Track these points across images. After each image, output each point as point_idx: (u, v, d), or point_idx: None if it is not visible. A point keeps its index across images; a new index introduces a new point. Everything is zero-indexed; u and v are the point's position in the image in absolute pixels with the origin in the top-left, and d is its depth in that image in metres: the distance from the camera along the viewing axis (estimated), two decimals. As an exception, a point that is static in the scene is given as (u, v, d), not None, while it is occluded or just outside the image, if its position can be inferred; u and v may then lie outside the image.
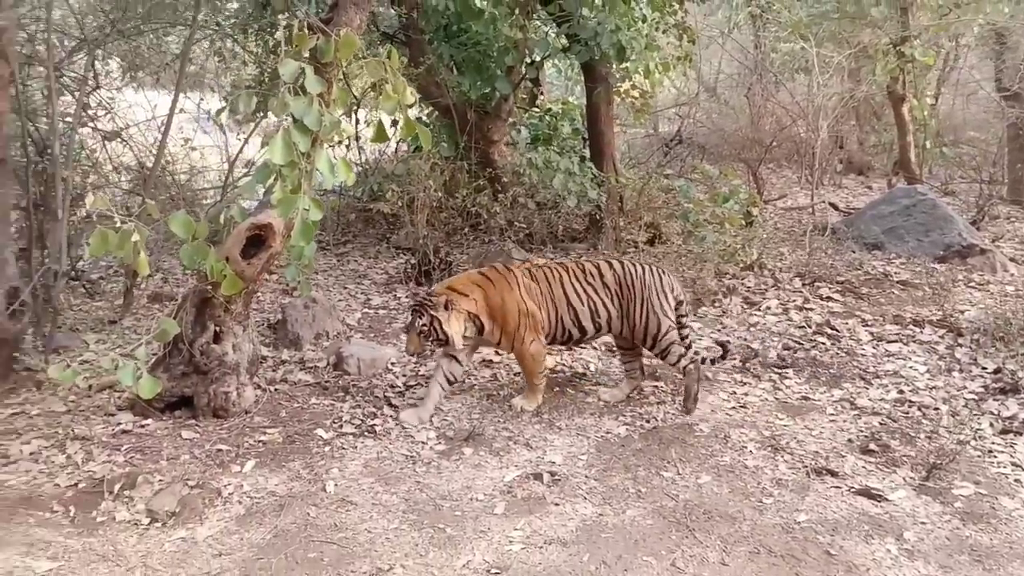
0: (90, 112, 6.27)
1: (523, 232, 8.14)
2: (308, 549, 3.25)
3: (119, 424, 4.34)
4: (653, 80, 9.37)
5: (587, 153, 8.78)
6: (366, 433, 4.31)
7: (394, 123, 5.16)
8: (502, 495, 3.69)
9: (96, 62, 6.14)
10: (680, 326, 4.66)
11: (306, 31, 3.85)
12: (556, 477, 3.82)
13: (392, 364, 5.25)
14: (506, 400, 4.72)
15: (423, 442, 4.22)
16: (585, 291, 4.65)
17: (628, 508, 3.57)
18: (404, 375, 5.12)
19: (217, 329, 4.45)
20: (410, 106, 4.11)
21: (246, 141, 6.62)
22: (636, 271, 4.66)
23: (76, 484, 3.73)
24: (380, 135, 4.26)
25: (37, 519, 3.44)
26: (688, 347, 4.62)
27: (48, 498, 3.60)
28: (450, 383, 4.62)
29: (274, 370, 5.18)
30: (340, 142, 5.86)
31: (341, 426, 4.40)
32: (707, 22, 13.85)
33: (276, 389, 4.87)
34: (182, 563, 3.15)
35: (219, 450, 4.09)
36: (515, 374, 5.15)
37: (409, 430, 4.33)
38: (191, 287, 4.57)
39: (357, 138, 8.65)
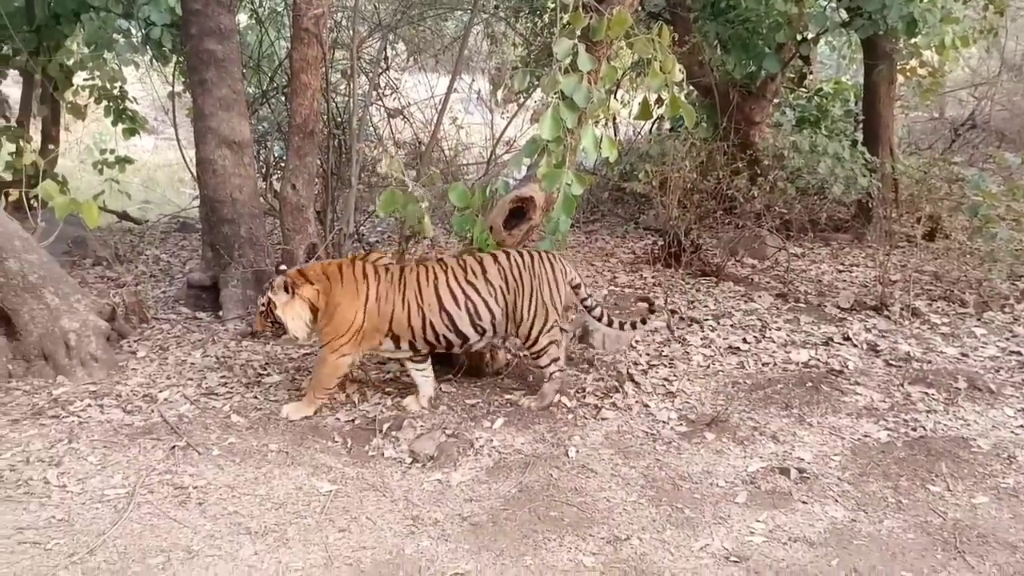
0: (379, 91, 6.94)
1: (781, 219, 7.73)
2: (550, 507, 3.39)
3: (388, 372, 4.82)
4: (947, 57, 8.37)
5: (859, 137, 8.09)
6: (607, 406, 4.38)
7: (658, 101, 5.13)
8: (744, 485, 3.58)
9: (388, 46, 6.78)
10: (588, 308, 4.48)
11: (580, 11, 3.95)
12: (804, 475, 3.63)
13: (636, 343, 5.28)
14: (753, 390, 4.55)
15: (664, 421, 4.21)
16: (464, 292, 4.18)
17: (886, 518, 3.30)
18: (648, 354, 5.13)
19: (477, 293, 4.75)
20: (677, 84, 4.07)
21: (511, 120, 6.95)
22: (524, 261, 4.26)
23: (353, 420, 4.21)
24: (645, 112, 4.28)
25: (321, 446, 3.94)
26: (600, 318, 4.48)
27: (330, 430, 4.11)
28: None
29: (523, 337, 5.43)
30: (604, 120, 5.95)
31: (584, 396, 4.52)
32: (1018, -10, 12.04)
33: (524, 356, 5.11)
34: (438, 502, 3.45)
35: (472, 405, 4.40)
36: (763, 364, 4.94)
37: (651, 408, 4.34)
38: (460, 252, 4.92)
39: (614, 117, 8.71)
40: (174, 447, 3.84)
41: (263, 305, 4.10)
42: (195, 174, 6.46)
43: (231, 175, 5.84)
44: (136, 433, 3.98)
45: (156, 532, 3.16)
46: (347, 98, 6.45)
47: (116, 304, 5.31)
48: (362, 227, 7.58)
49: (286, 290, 4.03)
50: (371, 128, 7.50)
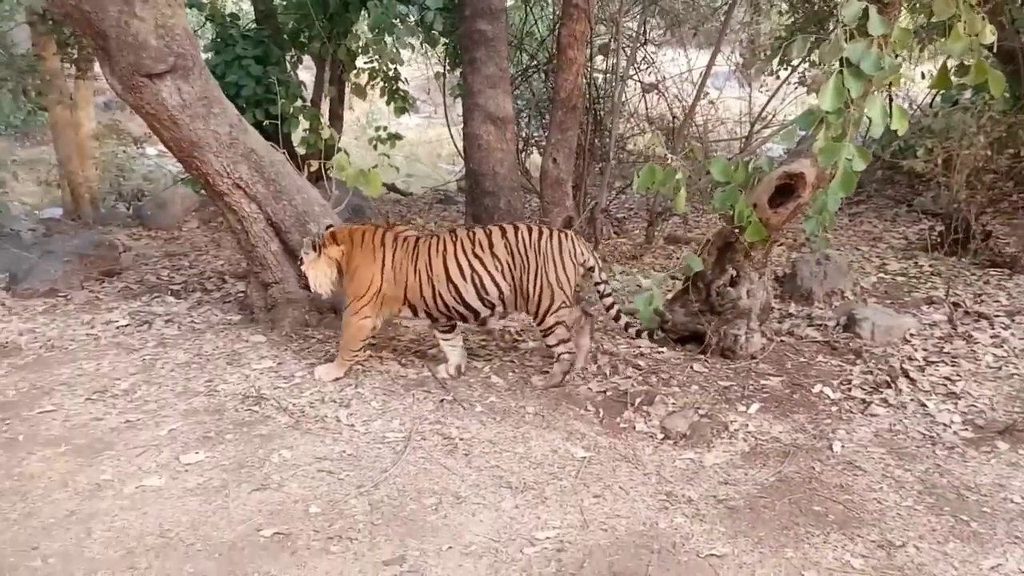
0: (636, 65, 6.91)
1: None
2: (812, 502, 3.22)
3: (638, 347, 4.84)
4: None
5: None
6: (877, 401, 4.05)
7: (960, 67, 4.58)
8: (1048, 505, 3.14)
9: (646, 19, 6.71)
10: (601, 295, 4.32)
11: (873, -32, 3.61)
12: None
13: (911, 335, 4.81)
14: (1058, 399, 3.97)
15: (945, 424, 3.81)
16: (471, 265, 4.17)
17: None
18: (925, 349, 4.65)
19: (734, 273, 4.61)
20: (987, 46, 3.59)
21: (774, 93, 6.59)
22: (531, 237, 4.15)
23: (604, 392, 4.29)
24: (942, 80, 3.84)
25: (575, 413, 4.06)
26: (610, 308, 4.36)
27: (583, 399, 4.21)
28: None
29: (780, 321, 5.18)
30: (894, 89, 5.40)
31: (849, 389, 4.22)
32: None
33: (782, 340, 4.87)
34: (691, 481, 3.41)
35: (725, 387, 4.28)
36: (1073, 371, 4.29)
37: (929, 408, 3.94)
38: (717, 231, 4.78)
39: (890, 85, 7.92)
40: (443, 400, 4.16)
41: (300, 260, 4.41)
42: (460, 149, 6.89)
43: (494, 149, 6.15)
44: (410, 384, 4.37)
45: (429, 476, 3.45)
46: (604, 73, 6.48)
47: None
48: (611, 202, 7.63)
49: (314, 248, 4.32)
50: (625, 103, 7.48)
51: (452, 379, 4.41)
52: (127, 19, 4.33)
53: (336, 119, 9.99)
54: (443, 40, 9.06)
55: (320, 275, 4.36)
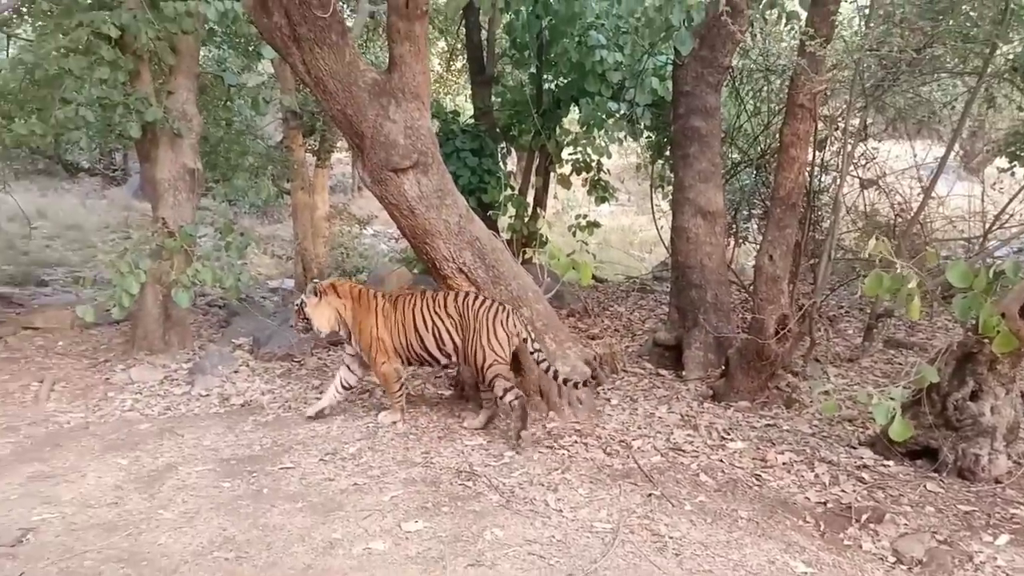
0: (855, 161, 6.69)
1: None
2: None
3: (860, 458, 4.53)
4: None
5: None
6: None
7: None
8: None
9: (868, 114, 6.52)
10: (537, 362, 4.87)
11: None
12: None
13: None
14: None
15: None
16: (432, 319, 5.02)
17: None
18: None
19: (976, 387, 4.24)
20: None
21: (1016, 195, 6.10)
22: (474, 304, 4.94)
23: (824, 503, 4.04)
24: None
25: (792, 523, 3.84)
26: (548, 370, 4.82)
27: (800, 508, 3.99)
28: (345, 388, 5.35)
29: (1029, 443, 4.65)
30: None
31: (1124, 530, 3.68)
32: None
33: (1006, 460, 4.36)
34: (932, 615, 3.10)
35: (967, 512, 3.89)
36: None
37: None
38: (952, 340, 4.45)
39: None
40: (650, 495, 4.11)
41: (297, 305, 5.17)
42: (665, 241, 6.95)
43: (703, 243, 6.16)
44: (616, 475, 4.36)
45: (638, 572, 3.39)
46: (821, 168, 6.34)
47: (596, 355, 5.92)
48: (827, 300, 7.32)
49: (316, 294, 5.11)
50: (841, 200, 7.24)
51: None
52: (382, 121, 4.87)
53: (540, 206, 10.46)
54: (646, 133, 9.32)
55: (321, 317, 5.14)
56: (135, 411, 5.70)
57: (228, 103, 9.03)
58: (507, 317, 4.93)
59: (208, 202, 8.68)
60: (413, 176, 5.02)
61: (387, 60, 4.98)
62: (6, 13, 8.23)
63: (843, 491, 4.15)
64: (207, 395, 6.04)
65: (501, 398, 4.88)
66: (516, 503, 4.03)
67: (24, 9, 8.42)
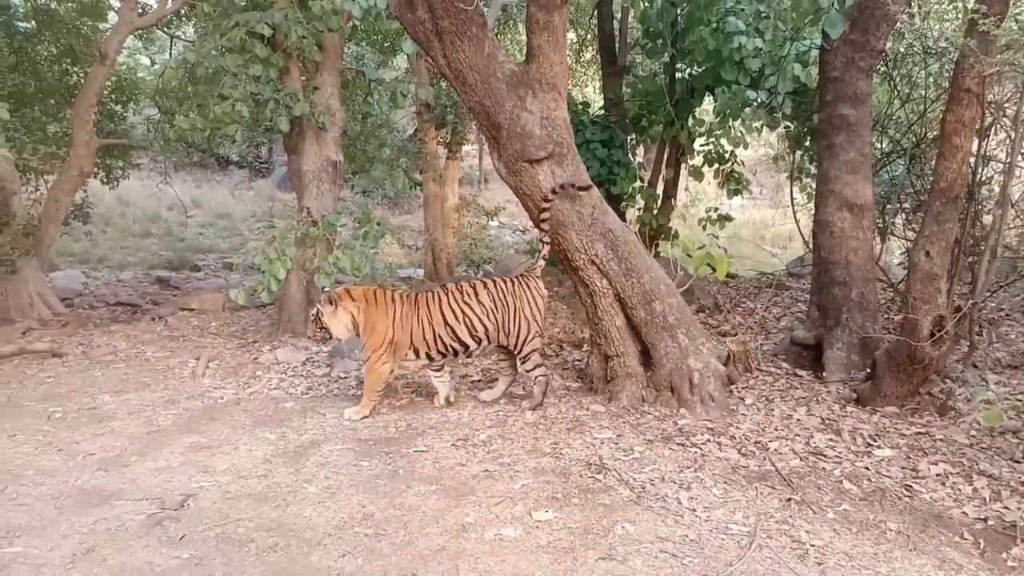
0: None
1: None
2: None
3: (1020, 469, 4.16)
4: None
5: None
6: None
7: None
8: None
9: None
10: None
11: None
12: None
13: None
14: None
15: None
16: (463, 309, 5.21)
17: None
18: None
19: None
20: None
21: None
22: (504, 286, 5.25)
23: (984, 519, 3.74)
24: None
25: (947, 539, 3.58)
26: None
27: (956, 523, 3.71)
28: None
29: None
30: None
31: None
32: None
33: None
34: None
35: None
36: None
37: None
38: None
39: None
40: (789, 499, 3.94)
41: (314, 315, 5.26)
42: (805, 235, 6.63)
43: (848, 238, 5.83)
44: (752, 476, 4.21)
45: (778, 579, 3.26)
46: (983, 159, 5.86)
47: (730, 352, 5.74)
48: (988, 300, 6.77)
49: (331, 303, 5.20)
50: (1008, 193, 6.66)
51: (445, 407, 5.36)
52: (519, 112, 4.90)
53: (670, 198, 10.25)
54: (784, 123, 8.91)
55: (338, 324, 5.23)
56: (280, 390, 6.05)
57: (368, 98, 9.38)
58: (537, 284, 5.27)
59: (344, 193, 9.06)
60: (548, 167, 5.03)
61: (517, 53, 5.02)
62: (169, 17, 8.89)
63: (1006, 507, 3.83)
64: (345, 377, 6.31)
65: (531, 371, 5.26)
66: (647, 499, 3.96)
67: (183, 12, 9.07)
